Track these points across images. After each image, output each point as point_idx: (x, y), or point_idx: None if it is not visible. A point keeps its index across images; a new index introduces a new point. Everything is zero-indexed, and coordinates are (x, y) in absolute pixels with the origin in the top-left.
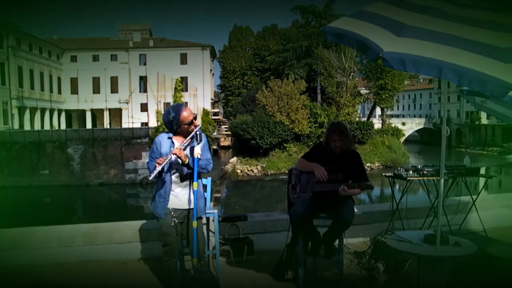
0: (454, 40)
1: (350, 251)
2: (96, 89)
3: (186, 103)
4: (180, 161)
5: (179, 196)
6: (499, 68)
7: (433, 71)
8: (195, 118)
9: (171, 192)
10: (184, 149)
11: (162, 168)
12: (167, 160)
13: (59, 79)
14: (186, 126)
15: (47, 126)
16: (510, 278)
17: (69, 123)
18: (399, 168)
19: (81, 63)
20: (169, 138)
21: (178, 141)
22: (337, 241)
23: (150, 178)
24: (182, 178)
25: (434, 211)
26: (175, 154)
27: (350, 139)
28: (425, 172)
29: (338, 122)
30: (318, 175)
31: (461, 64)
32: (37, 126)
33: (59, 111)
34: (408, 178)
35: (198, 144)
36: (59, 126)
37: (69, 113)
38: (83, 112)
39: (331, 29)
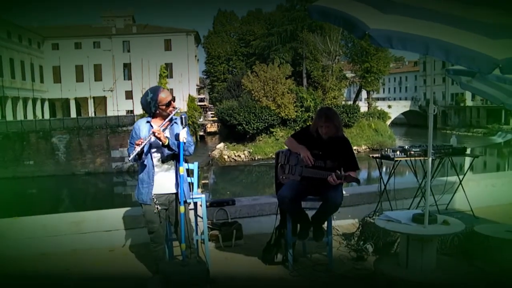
0: (441, 17)
1: (339, 233)
2: (80, 77)
3: (171, 89)
4: (160, 142)
5: (162, 180)
6: (486, 44)
7: (420, 48)
8: (173, 99)
9: (155, 177)
10: (164, 131)
11: (142, 150)
12: (146, 141)
13: (40, 67)
14: (164, 107)
15: (30, 116)
16: (497, 254)
17: (53, 112)
18: (386, 149)
19: (63, 51)
20: (148, 122)
21: (156, 124)
22: (325, 223)
23: (129, 159)
24: (164, 160)
25: (422, 191)
26: (154, 135)
27: (337, 125)
28: (412, 152)
29: (326, 108)
30: (304, 158)
31: (449, 41)
32: (20, 116)
33: (42, 101)
34: (396, 159)
35: (183, 128)
36: (42, 116)
37: (52, 102)
38: (67, 101)
39: (316, 8)
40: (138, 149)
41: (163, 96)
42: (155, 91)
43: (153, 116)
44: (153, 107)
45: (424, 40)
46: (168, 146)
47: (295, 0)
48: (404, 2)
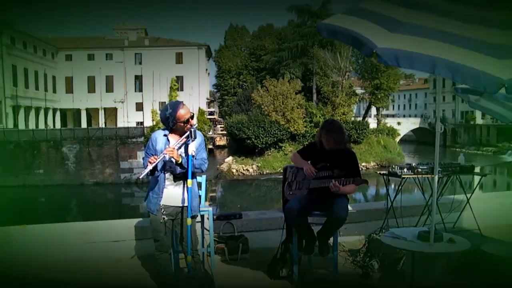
0: (447, 36)
1: (345, 249)
2: (91, 88)
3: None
4: (173, 160)
5: (172, 193)
6: (492, 64)
7: (427, 67)
8: (192, 117)
9: (164, 189)
10: (179, 148)
11: (155, 167)
12: (160, 158)
13: (53, 78)
14: (182, 124)
15: (41, 125)
16: (504, 274)
17: (64, 122)
18: (393, 166)
19: (76, 62)
20: (165, 135)
21: (173, 138)
22: (331, 239)
23: (141, 176)
24: (176, 177)
25: (429, 208)
26: (168, 153)
27: (337, 137)
28: (420, 170)
29: (329, 120)
30: (306, 171)
31: (455, 60)
32: (32, 125)
33: (54, 110)
34: (403, 176)
35: (192, 141)
36: (54, 125)
37: (63, 112)
38: (78, 111)
39: (326, 26)
40: (150, 167)
41: (182, 113)
42: (174, 107)
43: (171, 130)
44: (171, 122)
45: (430, 59)
46: (181, 165)
47: (306, 16)
48: (411, 22)
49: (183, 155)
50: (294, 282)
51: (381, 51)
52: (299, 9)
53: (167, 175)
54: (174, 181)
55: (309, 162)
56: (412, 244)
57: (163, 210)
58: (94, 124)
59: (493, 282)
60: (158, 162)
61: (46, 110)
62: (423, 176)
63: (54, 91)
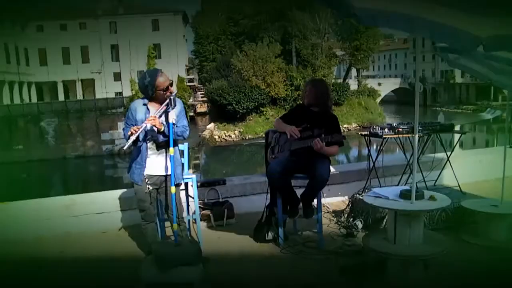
0: None
1: (329, 210)
2: (67, 60)
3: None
4: (155, 129)
5: (155, 162)
6: (470, 22)
7: (405, 27)
8: (171, 84)
9: (147, 159)
10: (160, 117)
11: (137, 137)
12: (141, 128)
13: (25, 50)
14: (162, 92)
15: (17, 100)
16: (482, 228)
17: (40, 96)
18: (374, 127)
19: (48, 33)
20: (144, 104)
21: (153, 107)
22: (315, 201)
23: (125, 148)
24: (158, 146)
25: (410, 167)
26: (150, 123)
27: (321, 91)
28: (400, 129)
29: (314, 78)
30: (290, 132)
31: (433, 19)
32: (7, 101)
33: (29, 84)
34: (384, 136)
35: (172, 109)
36: (30, 100)
37: (39, 86)
38: (54, 84)
39: None
40: (133, 137)
41: (161, 80)
42: (152, 75)
43: (150, 99)
44: (150, 91)
45: (408, 19)
46: (163, 133)
47: None
48: None
49: (164, 123)
50: (280, 244)
51: (359, 11)
52: None
53: (149, 144)
54: (157, 150)
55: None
56: (394, 203)
57: (147, 180)
58: (71, 96)
59: (473, 236)
60: (141, 131)
61: (21, 84)
62: (404, 135)
63: (28, 64)
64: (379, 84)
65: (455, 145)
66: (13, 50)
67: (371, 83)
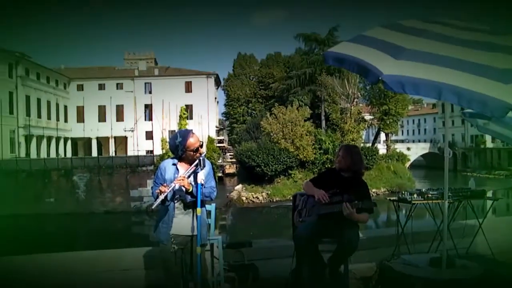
0: (452, 62)
1: (356, 276)
2: (102, 118)
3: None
4: (183, 189)
5: (181, 222)
6: (498, 88)
7: (432, 93)
8: (201, 145)
9: (174, 218)
10: (188, 177)
11: (166, 196)
12: (170, 188)
13: (65, 107)
14: (192, 152)
15: (53, 154)
16: None
17: (75, 151)
18: (403, 192)
19: (87, 91)
20: (174, 164)
21: (182, 167)
22: (342, 267)
23: (153, 207)
24: (186, 206)
25: (440, 234)
26: (179, 183)
27: (354, 158)
28: (430, 195)
29: (346, 144)
30: (318, 197)
31: (460, 85)
32: (43, 154)
33: (65, 139)
34: (413, 202)
35: (201, 169)
36: (65, 154)
37: (75, 141)
38: (89, 140)
39: (332, 54)
40: (161, 197)
41: (192, 141)
42: (184, 135)
43: (180, 159)
44: (180, 151)
45: (436, 85)
46: (191, 193)
47: (313, 44)
48: (415, 48)
49: (193, 183)
50: None
51: (387, 78)
52: (306, 37)
53: (177, 204)
54: (184, 210)
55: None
56: (424, 270)
57: (173, 239)
58: (104, 152)
59: None
60: (169, 191)
61: (58, 139)
62: (433, 201)
63: (66, 120)
64: (408, 149)
65: (487, 212)
66: (54, 107)
67: (400, 148)
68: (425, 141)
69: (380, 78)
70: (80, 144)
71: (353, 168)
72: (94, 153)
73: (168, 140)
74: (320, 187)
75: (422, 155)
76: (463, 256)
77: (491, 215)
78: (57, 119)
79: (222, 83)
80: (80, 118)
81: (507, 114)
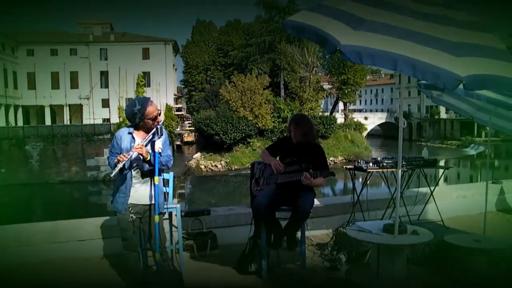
0: (408, 34)
1: (313, 243)
2: (55, 85)
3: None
4: (141, 157)
5: (139, 191)
6: (451, 61)
7: (389, 64)
8: (159, 114)
9: (131, 188)
10: (146, 145)
11: (124, 165)
12: (128, 157)
13: (14, 73)
14: (150, 121)
15: (2, 123)
16: (465, 263)
17: (26, 119)
18: (359, 161)
19: (38, 57)
20: (130, 133)
21: (138, 136)
22: (299, 233)
23: (112, 175)
24: (143, 174)
25: (394, 202)
26: (137, 151)
27: (304, 131)
28: (385, 164)
29: (297, 114)
30: (274, 167)
31: (415, 57)
32: None
33: (16, 107)
34: (368, 170)
35: (159, 138)
36: (15, 123)
37: (26, 109)
38: (41, 108)
39: (291, 23)
40: (120, 165)
41: (151, 109)
42: (143, 103)
43: (136, 127)
44: (138, 118)
45: (392, 56)
46: (149, 162)
47: (274, 11)
48: (374, 20)
49: (150, 152)
50: (263, 276)
51: (344, 48)
52: (267, 4)
53: (134, 173)
54: (142, 178)
55: (277, 158)
56: (377, 236)
57: (130, 209)
58: (58, 121)
59: (455, 271)
60: (127, 160)
61: (7, 107)
62: (388, 170)
63: (16, 87)
64: (366, 118)
65: (439, 180)
66: (1, 73)
67: (358, 117)
68: (382, 111)
69: (338, 48)
70: (33, 112)
71: (305, 139)
72: (48, 121)
73: (124, 107)
74: (276, 155)
75: (379, 125)
76: (414, 222)
77: (441, 183)
78: (6, 86)
79: (180, 50)
80: (32, 85)
81: (459, 86)
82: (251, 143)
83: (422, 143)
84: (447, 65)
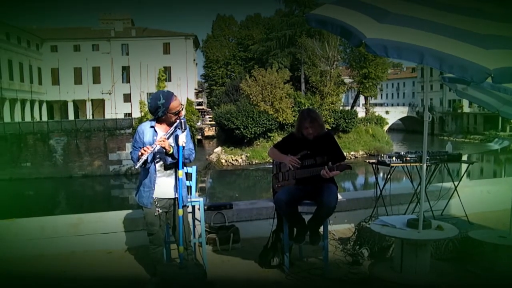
0: (435, 27)
1: (335, 237)
2: (78, 80)
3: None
4: (164, 151)
5: (163, 185)
6: (479, 54)
7: (415, 57)
8: (182, 109)
9: (156, 182)
10: (168, 139)
11: (147, 158)
12: (151, 150)
13: (39, 69)
14: (172, 115)
15: (28, 118)
16: (490, 259)
17: (50, 114)
18: (382, 155)
19: (61, 53)
20: (152, 127)
21: (160, 129)
22: (322, 228)
23: (136, 167)
24: (166, 167)
25: (417, 196)
26: (160, 144)
27: (320, 124)
28: (408, 158)
29: (307, 109)
30: (289, 164)
31: (442, 50)
32: (18, 118)
33: (40, 103)
34: (391, 165)
35: (182, 132)
36: (40, 118)
37: (50, 105)
38: (65, 103)
39: (314, 16)
40: (143, 158)
41: (175, 104)
42: (167, 97)
43: (158, 121)
44: (161, 112)
45: (418, 49)
46: (172, 155)
47: (294, 5)
48: (400, 12)
49: (173, 145)
50: (285, 270)
51: (370, 41)
52: None
53: (158, 166)
54: (165, 171)
55: (288, 154)
56: (401, 231)
57: (156, 203)
58: (81, 116)
59: (480, 267)
60: (151, 152)
61: (32, 102)
62: (411, 164)
63: (40, 83)
64: (387, 112)
65: (463, 175)
66: (27, 69)
67: (379, 111)
68: (403, 104)
69: (363, 41)
70: (56, 107)
71: (322, 130)
72: (71, 116)
73: (146, 102)
74: (286, 152)
75: (401, 119)
76: (438, 217)
77: (465, 178)
78: (31, 82)
79: (201, 45)
80: (55, 80)
81: (486, 80)
82: (272, 137)
83: (445, 138)
84: (475, 58)
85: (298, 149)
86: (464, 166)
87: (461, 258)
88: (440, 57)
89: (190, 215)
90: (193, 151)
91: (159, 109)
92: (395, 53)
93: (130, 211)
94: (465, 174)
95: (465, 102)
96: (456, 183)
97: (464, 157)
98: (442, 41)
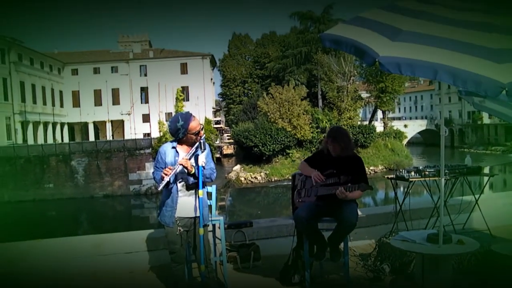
0: (448, 43)
1: (356, 253)
2: (98, 101)
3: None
4: (186, 171)
5: (185, 204)
6: (492, 68)
7: (428, 73)
8: (202, 128)
9: (178, 201)
10: (189, 159)
11: (169, 179)
12: (174, 170)
13: (60, 92)
14: (193, 135)
15: (50, 140)
16: None
17: (72, 136)
18: (401, 170)
19: (82, 76)
20: (173, 147)
21: (182, 150)
22: (342, 244)
23: (159, 189)
24: (188, 187)
25: (437, 211)
26: (182, 165)
27: (342, 146)
28: (427, 172)
29: (334, 127)
30: (314, 178)
31: (455, 66)
32: (41, 140)
33: (62, 125)
34: (410, 179)
35: (202, 152)
36: (62, 139)
37: (71, 126)
38: (85, 125)
39: (328, 36)
40: (166, 179)
41: (194, 124)
42: (186, 119)
43: (179, 142)
44: (181, 134)
45: (432, 66)
46: (194, 175)
47: (309, 22)
48: (411, 30)
49: (195, 165)
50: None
51: (383, 59)
52: (302, 15)
53: (180, 186)
54: (187, 191)
55: (316, 170)
56: (421, 246)
57: (178, 222)
58: (101, 137)
59: (504, 282)
60: (173, 173)
61: (54, 125)
62: (431, 179)
63: (62, 105)
64: (405, 126)
65: (483, 188)
66: (49, 92)
67: (397, 125)
68: (422, 118)
69: (376, 60)
70: (77, 129)
71: (344, 153)
72: (92, 137)
73: (165, 122)
74: (315, 167)
75: (419, 132)
76: (459, 231)
77: (487, 191)
78: (53, 104)
79: (217, 64)
80: (76, 102)
81: (500, 93)
82: (290, 154)
83: (465, 150)
84: (488, 72)
85: (324, 166)
86: (485, 179)
87: (484, 272)
88: (454, 72)
89: (210, 234)
90: (214, 170)
91: (179, 131)
92: (409, 70)
93: (151, 230)
94: (487, 187)
95: (485, 114)
96: (477, 196)
97: (486, 169)
98: (455, 56)
